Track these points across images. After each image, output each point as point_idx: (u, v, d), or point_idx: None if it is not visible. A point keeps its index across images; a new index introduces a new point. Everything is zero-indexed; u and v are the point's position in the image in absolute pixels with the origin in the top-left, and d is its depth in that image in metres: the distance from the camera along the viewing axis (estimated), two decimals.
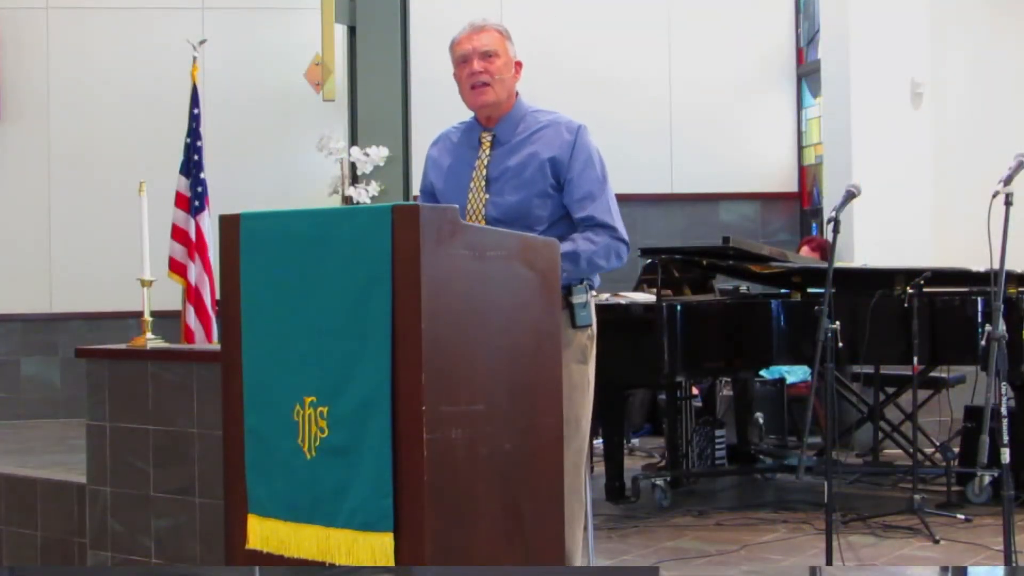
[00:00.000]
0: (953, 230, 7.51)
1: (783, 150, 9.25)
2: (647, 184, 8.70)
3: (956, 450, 6.21)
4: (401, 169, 8.40)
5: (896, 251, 7.15)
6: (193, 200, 7.30)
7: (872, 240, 7.48)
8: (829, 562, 4.47)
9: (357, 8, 8.53)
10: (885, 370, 6.33)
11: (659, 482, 5.92)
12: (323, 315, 2.83)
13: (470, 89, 3.52)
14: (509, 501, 2.91)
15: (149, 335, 4.69)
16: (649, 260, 6.18)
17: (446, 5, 8.67)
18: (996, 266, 3.86)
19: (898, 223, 7.50)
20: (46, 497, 5.28)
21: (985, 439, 3.85)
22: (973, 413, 5.99)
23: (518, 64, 3.58)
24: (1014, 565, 3.99)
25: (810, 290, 6.21)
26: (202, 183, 7.33)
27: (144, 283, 4.80)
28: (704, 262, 6.33)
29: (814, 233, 8.84)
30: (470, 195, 3.51)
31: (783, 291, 6.56)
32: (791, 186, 9.25)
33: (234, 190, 8.17)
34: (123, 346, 4.76)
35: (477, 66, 3.50)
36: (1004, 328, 3.88)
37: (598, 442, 6.09)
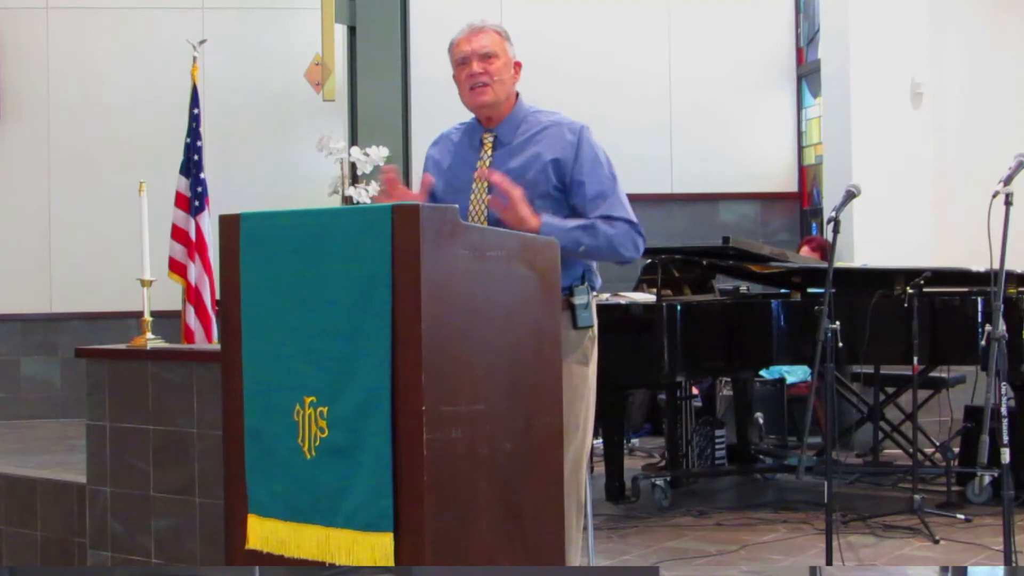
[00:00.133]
0: (953, 230, 7.51)
1: (783, 150, 9.25)
2: (647, 184, 8.70)
3: (956, 450, 6.21)
4: (401, 169, 8.39)
5: (896, 251, 7.15)
6: (193, 200, 7.30)
7: (872, 240, 7.48)
8: (829, 562, 4.47)
9: (357, 8, 8.54)
10: (885, 370, 6.33)
11: (659, 482, 5.92)
12: (323, 315, 2.83)
13: (469, 90, 3.52)
14: (509, 501, 2.91)
15: (149, 335, 4.69)
16: (649, 260, 6.18)
17: (446, 5, 8.67)
18: (996, 266, 3.87)
19: (898, 223, 7.50)
20: (46, 497, 5.27)
21: (985, 439, 3.84)
22: (973, 413, 5.99)
23: (517, 65, 3.58)
24: (1014, 565, 3.99)
25: (810, 290, 6.22)
26: (202, 183, 7.33)
27: (144, 283, 4.80)
28: (704, 262, 6.33)
29: (814, 233, 8.85)
30: (472, 196, 3.51)
31: (783, 291, 6.56)
32: (791, 186, 9.25)
33: (234, 190, 8.18)
34: (123, 346, 4.75)
35: (476, 67, 3.49)
36: (1004, 328, 3.88)
37: (598, 442, 6.09)
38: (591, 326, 3.51)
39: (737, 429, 6.59)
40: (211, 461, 4.23)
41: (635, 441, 7.63)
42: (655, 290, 5.86)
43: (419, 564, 2.70)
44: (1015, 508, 4.15)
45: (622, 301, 5.81)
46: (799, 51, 9.24)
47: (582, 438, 3.50)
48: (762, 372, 7.02)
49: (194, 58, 7.53)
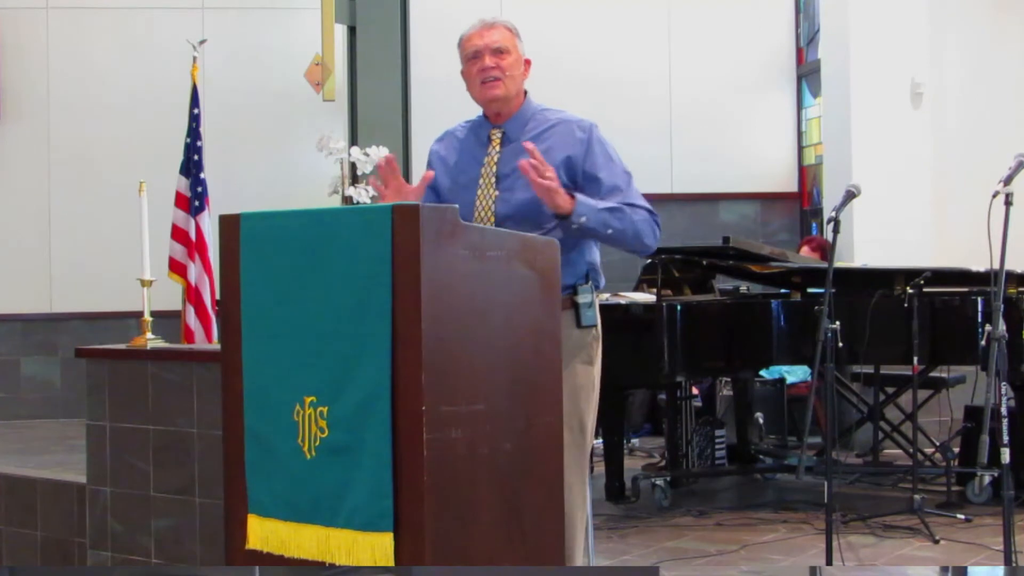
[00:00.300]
0: (953, 230, 7.51)
1: (783, 150, 9.26)
2: (647, 184, 8.57)
3: (956, 450, 6.21)
4: (401, 169, 8.36)
5: (896, 251, 7.16)
6: (193, 200, 7.30)
7: (872, 240, 7.49)
8: (829, 562, 4.47)
9: (357, 8, 8.54)
10: (885, 370, 6.33)
11: (659, 482, 5.92)
12: (323, 315, 2.83)
13: (480, 84, 3.50)
14: (509, 501, 2.91)
15: (149, 335, 4.69)
16: (649, 260, 6.18)
17: (446, 5, 8.67)
18: (996, 266, 3.87)
19: (898, 223, 7.50)
20: (46, 497, 5.27)
21: (985, 439, 3.85)
22: (973, 413, 5.99)
23: (527, 62, 3.57)
24: (1014, 565, 3.99)
25: (810, 290, 6.22)
26: (202, 183, 7.33)
27: (144, 283, 4.80)
28: (704, 262, 6.33)
29: (814, 233, 8.85)
30: (479, 191, 3.50)
31: (783, 291, 6.56)
32: (791, 186, 9.26)
33: (234, 190, 8.19)
34: (123, 346, 4.75)
35: (488, 61, 3.49)
36: (1004, 328, 3.88)
37: (598, 442, 6.09)
38: (595, 325, 3.51)
39: (737, 429, 6.59)
40: (211, 461, 4.23)
41: (635, 441, 7.63)
42: (655, 290, 5.86)
43: (419, 564, 2.70)
44: (1015, 508, 4.15)
45: (622, 301, 5.81)
46: (799, 51, 9.24)
47: (586, 437, 3.49)
48: (762, 372, 7.02)
49: (194, 58, 7.53)
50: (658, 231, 3.54)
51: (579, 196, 3.37)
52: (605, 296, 5.68)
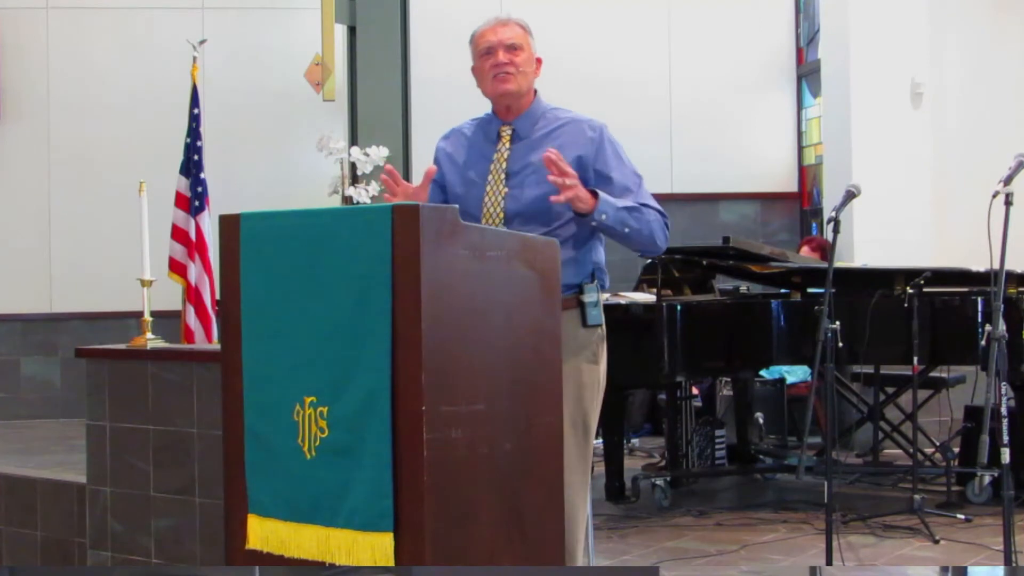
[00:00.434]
0: (953, 230, 7.51)
1: (783, 150, 9.26)
2: (647, 184, 8.68)
3: (956, 450, 6.21)
4: (401, 169, 8.39)
5: (896, 251, 7.16)
6: (193, 200, 7.31)
7: (872, 240, 7.49)
8: (829, 562, 4.47)
9: (357, 8, 8.54)
10: (885, 370, 6.33)
11: (659, 482, 5.92)
12: (323, 315, 2.82)
13: (493, 78, 3.50)
14: (509, 501, 2.91)
15: (149, 335, 4.69)
16: (649, 260, 6.18)
17: (446, 5, 8.68)
18: (996, 266, 3.87)
19: (898, 223, 7.50)
20: (46, 497, 5.27)
21: (985, 439, 3.85)
22: (973, 413, 5.99)
23: (538, 61, 3.58)
24: (1014, 565, 3.99)
25: (810, 290, 6.22)
26: (202, 183, 7.33)
27: (144, 283, 4.80)
28: (704, 262, 6.33)
29: (814, 233, 8.85)
30: (488, 188, 3.49)
31: (783, 291, 6.56)
32: (791, 186, 9.26)
33: (234, 190, 8.19)
34: (123, 346, 4.75)
35: (502, 57, 3.48)
36: (1004, 328, 3.88)
37: (598, 442, 6.09)
38: (600, 324, 3.51)
39: (737, 429, 6.59)
40: (211, 461, 4.23)
41: (635, 441, 7.63)
42: (655, 290, 5.86)
43: (419, 564, 2.70)
44: (1015, 508, 4.15)
45: (622, 301, 5.81)
46: (799, 51, 9.24)
47: (590, 437, 3.49)
48: (762, 372, 7.02)
49: (194, 58, 7.53)
50: (667, 233, 3.55)
51: (601, 194, 3.38)
52: (605, 296, 5.67)
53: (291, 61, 8.64)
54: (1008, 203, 3.85)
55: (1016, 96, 7.94)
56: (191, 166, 7.37)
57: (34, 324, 8.84)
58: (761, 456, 6.70)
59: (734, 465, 6.48)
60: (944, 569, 4.83)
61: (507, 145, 3.52)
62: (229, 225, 3.01)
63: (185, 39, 7.66)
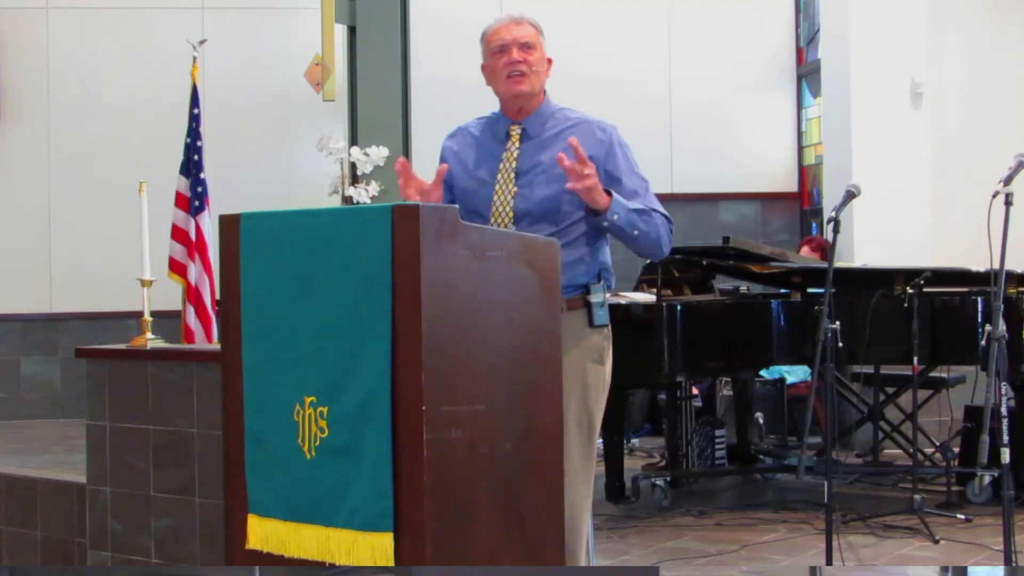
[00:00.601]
0: (953, 230, 7.52)
1: (783, 150, 9.26)
2: None
3: (956, 450, 6.21)
4: None
5: (896, 251, 7.16)
6: (193, 200, 7.30)
7: (872, 240, 7.49)
8: (829, 562, 4.47)
9: (357, 8, 8.54)
10: (885, 370, 6.33)
11: (659, 482, 5.92)
12: (323, 315, 2.83)
13: (507, 78, 3.48)
14: (509, 501, 2.91)
15: (149, 335, 4.69)
16: (649, 260, 6.18)
17: (446, 5, 8.68)
18: (996, 266, 3.87)
19: (898, 223, 7.50)
20: (46, 497, 5.27)
21: (985, 439, 3.84)
22: (973, 413, 5.99)
23: (549, 60, 3.57)
24: (1014, 565, 3.99)
25: (810, 290, 6.22)
26: (202, 183, 7.33)
27: (144, 283, 4.80)
28: (704, 262, 6.33)
29: (814, 233, 8.85)
30: (497, 187, 3.48)
31: (783, 291, 6.56)
32: (791, 186, 9.26)
33: (234, 190, 8.19)
34: (123, 346, 4.75)
35: (516, 55, 3.47)
36: (1004, 328, 3.88)
37: (598, 442, 6.09)
38: (606, 324, 3.51)
39: (737, 429, 6.59)
40: (211, 461, 4.23)
41: (635, 441, 7.63)
42: (655, 290, 5.85)
43: (419, 564, 2.70)
44: (1015, 508, 4.15)
45: (622, 301, 5.81)
46: (799, 51, 9.24)
47: (594, 437, 3.50)
48: (762, 372, 7.02)
49: (194, 58, 7.53)
50: (672, 238, 3.54)
51: (615, 194, 3.37)
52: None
53: (291, 61, 8.64)
54: (1008, 203, 3.85)
55: (1016, 96, 7.94)
56: (191, 166, 7.37)
57: (34, 324, 8.84)
58: (761, 456, 6.70)
59: (734, 465, 6.48)
60: (944, 569, 4.83)
61: (516, 144, 3.52)
62: (229, 225, 3.02)
63: (185, 39, 7.66)
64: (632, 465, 6.50)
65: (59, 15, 8.91)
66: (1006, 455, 3.85)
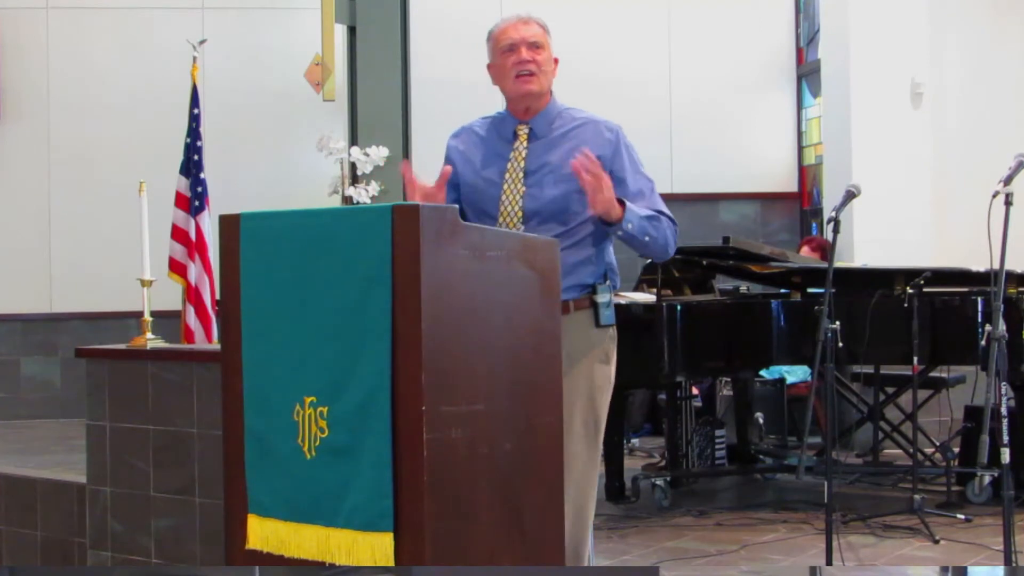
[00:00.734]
0: (953, 230, 7.51)
1: (783, 150, 9.26)
2: None
3: (956, 450, 6.21)
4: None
5: (896, 251, 7.16)
6: (193, 200, 7.30)
7: (872, 240, 7.49)
8: (829, 562, 4.47)
9: (357, 8, 8.54)
10: (885, 370, 6.33)
11: (659, 482, 5.92)
12: (323, 315, 2.82)
13: (516, 77, 3.48)
14: (509, 501, 2.91)
15: (149, 335, 4.69)
16: (649, 260, 6.18)
17: (446, 5, 8.69)
18: (996, 266, 3.87)
19: (898, 223, 7.50)
20: (46, 497, 5.27)
21: (985, 439, 3.85)
22: (973, 413, 5.99)
23: (556, 60, 3.57)
24: (1014, 565, 3.99)
25: (810, 290, 6.21)
26: (202, 183, 7.33)
27: (144, 283, 4.80)
28: (704, 262, 6.33)
29: (814, 233, 8.85)
30: (504, 187, 3.47)
31: (783, 291, 6.56)
32: (791, 186, 9.26)
33: (234, 190, 8.19)
34: (123, 346, 4.75)
35: (525, 55, 3.47)
36: (1004, 328, 3.88)
37: None
38: (612, 324, 3.51)
39: (737, 429, 6.59)
40: (211, 461, 4.23)
41: (635, 441, 7.63)
42: (655, 290, 5.85)
43: (419, 564, 2.70)
44: (1015, 508, 4.15)
45: (622, 301, 5.80)
46: (799, 51, 9.24)
47: (599, 437, 3.50)
48: (762, 372, 7.02)
49: (194, 58, 7.53)
50: (677, 239, 3.55)
51: (628, 204, 3.37)
52: None
53: (291, 61, 8.64)
54: (1008, 203, 3.85)
55: (1016, 96, 7.94)
56: (191, 166, 7.37)
57: (34, 324, 8.84)
58: (761, 456, 6.70)
59: (734, 465, 6.48)
60: (944, 569, 4.83)
61: (524, 144, 3.51)
62: (229, 225, 3.02)
63: (185, 39, 7.65)
64: (632, 465, 6.50)
65: (59, 15, 8.91)
66: (1006, 455, 3.85)
